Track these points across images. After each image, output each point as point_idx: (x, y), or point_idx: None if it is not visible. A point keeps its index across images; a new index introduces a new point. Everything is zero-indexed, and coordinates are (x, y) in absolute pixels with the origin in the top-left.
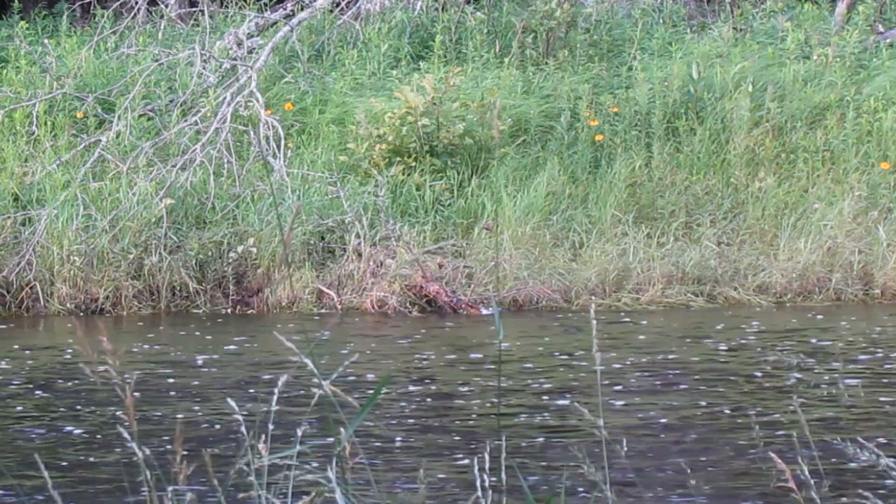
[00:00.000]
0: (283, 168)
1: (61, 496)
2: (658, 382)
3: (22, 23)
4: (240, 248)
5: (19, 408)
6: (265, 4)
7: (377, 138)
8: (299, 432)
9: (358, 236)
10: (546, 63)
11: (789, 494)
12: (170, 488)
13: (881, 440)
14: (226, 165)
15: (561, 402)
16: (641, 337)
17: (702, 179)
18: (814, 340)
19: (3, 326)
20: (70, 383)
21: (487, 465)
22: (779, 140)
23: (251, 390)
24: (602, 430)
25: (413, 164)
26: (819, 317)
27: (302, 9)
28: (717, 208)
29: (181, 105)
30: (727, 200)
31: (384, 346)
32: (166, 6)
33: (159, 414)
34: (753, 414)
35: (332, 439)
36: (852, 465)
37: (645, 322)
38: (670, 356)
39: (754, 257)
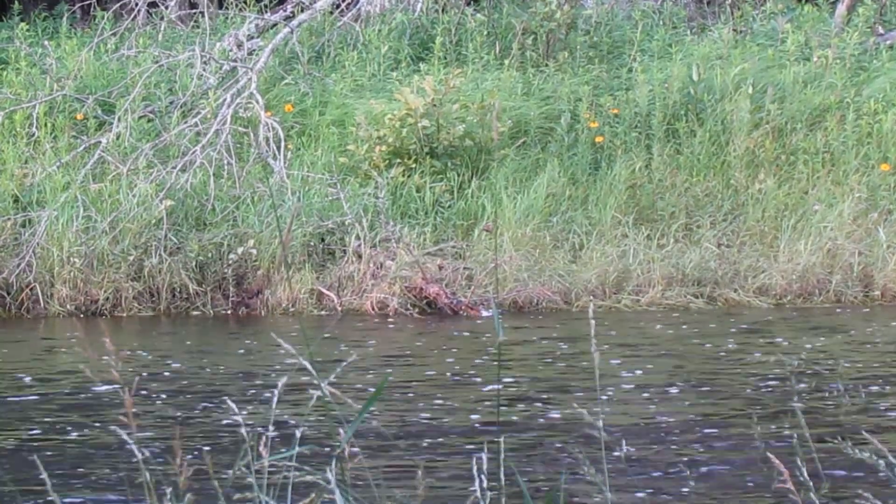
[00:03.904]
0: (283, 170)
1: (61, 498)
2: (657, 383)
3: (22, 24)
4: (240, 250)
5: (19, 409)
6: (265, 6)
7: (377, 140)
8: (298, 434)
9: (358, 238)
10: (546, 65)
11: (788, 495)
12: (169, 490)
13: (881, 441)
14: (226, 167)
15: (560, 402)
16: (641, 338)
17: (702, 181)
18: (814, 341)
19: (3, 328)
20: (70, 384)
21: (486, 466)
22: (779, 142)
23: (251, 392)
24: (601, 431)
25: (413, 165)
26: (819, 318)
27: (302, 10)
28: (717, 210)
29: (181, 107)
30: (727, 202)
31: (384, 348)
32: (166, 8)
33: (159, 416)
34: (753, 415)
35: (330, 440)
36: (852, 466)
37: (645, 323)
38: (670, 358)
39: (754, 259)
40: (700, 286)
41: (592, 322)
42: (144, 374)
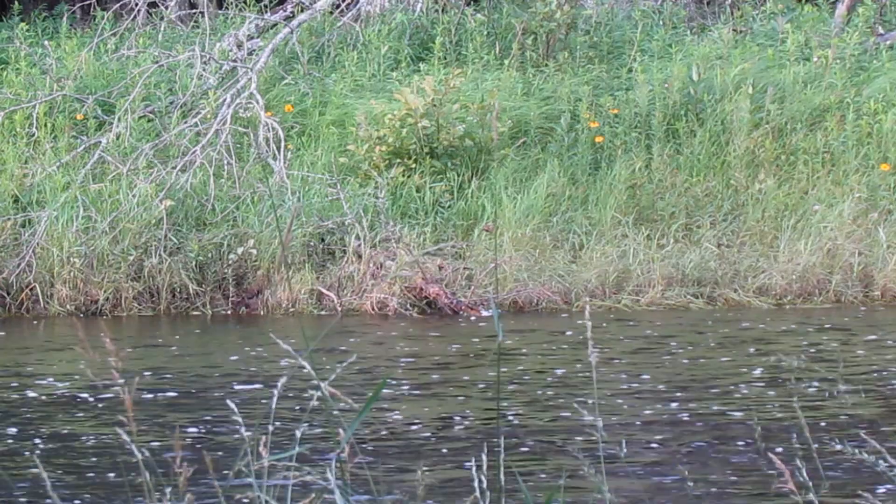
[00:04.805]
0: (282, 170)
1: (60, 498)
2: (657, 384)
3: (22, 24)
4: (240, 250)
5: (19, 409)
6: (265, 6)
7: (377, 140)
8: (298, 434)
9: (358, 238)
10: (546, 65)
11: (788, 496)
12: (168, 489)
13: (880, 441)
14: (226, 167)
15: (560, 402)
16: (641, 338)
17: (702, 181)
18: (813, 342)
19: (3, 328)
20: (69, 384)
21: (486, 466)
22: (779, 142)
23: (251, 392)
24: (601, 431)
25: (413, 165)
26: (819, 318)
27: (302, 10)
28: (717, 210)
29: (181, 107)
30: (727, 202)
31: (383, 348)
32: (166, 8)
33: (159, 416)
34: (753, 415)
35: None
36: (851, 466)
37: (645, 323)
38: (670, 358)
39: (754, 259)
40: (700, 286)
41: (589, 323)
42: (144, 374)
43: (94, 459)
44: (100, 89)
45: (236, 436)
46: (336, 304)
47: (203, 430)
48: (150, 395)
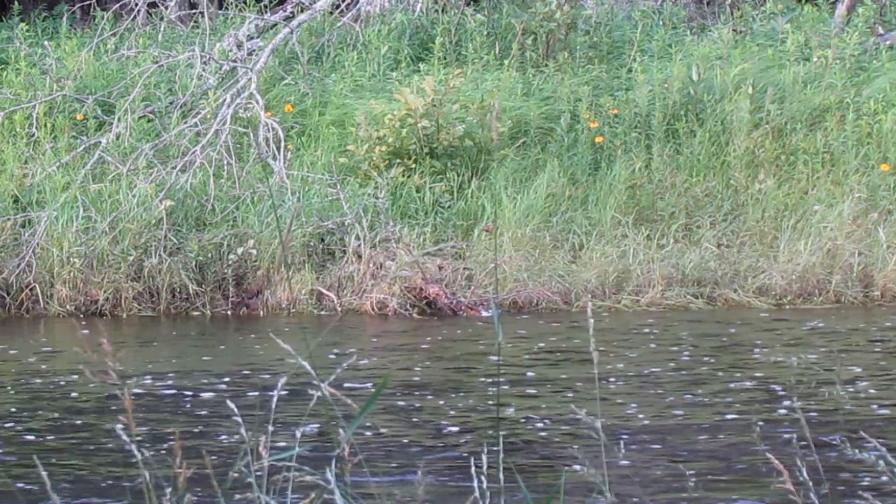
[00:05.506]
0: (282, 170)
1: (60, 499)
2: (657, 383)
3: (22, 25)
4: (239, 250)
5: (19, 409)
6: (265, 6)
7: (377, 140)
8: (298, 434)
9: (358, 238)
10: (546, 65)
11: (788, 495)
12: (168, 489)
13: (880, 441)
14: (226, 167)
15: (560, 402)
16: (641, 338)
17: (702, 181)
18: (813, 342)
19: (3, 328)
20: (69, 385)
21: (486, 466)
22: (779, 142)
23: (250, 392)
24: (600, 431)
25: (413, 165)
26: (819, 318)
27: (302, 11)
28: (717, 210)
29: (181, 107)
30: (727, 202)
31: (383, 348)
32: (166, 8)
33: (159, 416)
34: (753, 414)
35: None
36: (852, 465)
37: (645, 323)
38: (669, 357)
39: (754, 259)
40: (700, 286)
41: (591, 321)
42: (144, 374)
43: (94, 460)
44: (100, 89)
45: (236, 436)
46: (336, 305)
47: (203, 431)
48: (149, 396)
